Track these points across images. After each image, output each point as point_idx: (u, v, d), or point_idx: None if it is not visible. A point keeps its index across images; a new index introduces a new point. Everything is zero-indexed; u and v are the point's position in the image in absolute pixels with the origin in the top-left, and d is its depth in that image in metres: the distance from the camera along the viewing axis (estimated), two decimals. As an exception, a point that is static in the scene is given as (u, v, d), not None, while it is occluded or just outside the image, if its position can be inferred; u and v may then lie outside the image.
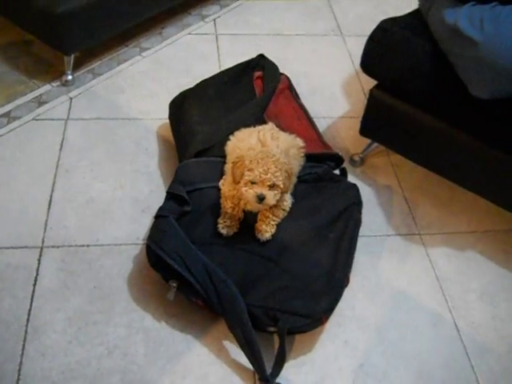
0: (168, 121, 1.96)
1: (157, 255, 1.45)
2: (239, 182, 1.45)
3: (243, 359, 1.44)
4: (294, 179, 1.59)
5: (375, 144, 1.96)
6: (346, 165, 1.83)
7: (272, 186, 1.43)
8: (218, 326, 1.51)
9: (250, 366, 1.42)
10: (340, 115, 2.19)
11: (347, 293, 1.55)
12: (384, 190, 1.92)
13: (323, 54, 2.47)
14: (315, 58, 2.44)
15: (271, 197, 1.43)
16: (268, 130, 1.59)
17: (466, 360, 1.52)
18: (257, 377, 1.42)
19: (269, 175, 1.42)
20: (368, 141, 1.97)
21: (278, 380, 1.40)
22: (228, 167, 1.57)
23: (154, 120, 2.07)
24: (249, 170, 1.43)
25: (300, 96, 2.01)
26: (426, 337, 1.56)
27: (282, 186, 1.44)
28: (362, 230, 1.67)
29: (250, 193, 1.43)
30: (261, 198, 1.43)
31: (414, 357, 1.51)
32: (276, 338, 1.46)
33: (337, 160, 1.78)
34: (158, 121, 2.06)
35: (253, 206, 1.49)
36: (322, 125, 2.08)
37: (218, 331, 1.51)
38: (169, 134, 1.95)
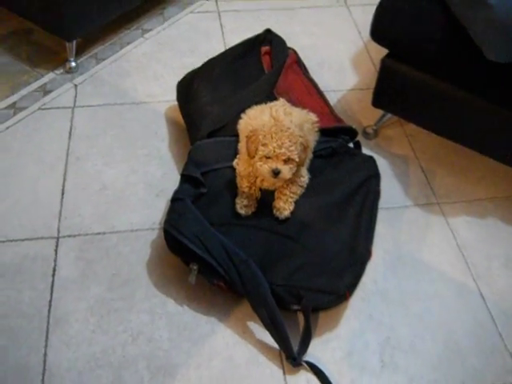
0: (176, 102, 1.93)
1: (175, 239, 1.43)
2: (254, 157, 1.42)
3: (268, 339, 1.42)
4: (310, 154, 1.56)
5: (388, 115, 1.92)
6: (359, 138, 1.80)
7: (287, 160, 1.40)
8: (241, 307, 1.50)
9: (276, 346, 1.41)
10: (350, 87, 2.14)
11: (369, 267, 1.53)
12: (400, 161, 1.89)
13: (329, 26, 2.41)
14: (321, 30, 2.39)
15: (287, 171, 1.41)
16: (280, 105, 1.56)
17: (492, 327, 1.50)
18: (283, 356, 1.41)
19: (283, 150, 1.39)
20: (381, 112, 1.93)
21: (305, 357, 1.39)
22: (242, 145, 1.54)
23: (161, 102, 2.04)
24: (263, 145, 1.40)
25: (309, 70, 1.97)
26: (450, 306, 1.54)
27: (297, 159, 1.41)
28: (380, 203, 1.64)
29: (264, 168, 1.41)
30: (276, 173, 1.40)
31: (439, 327, 1.49)
32: (300, 316, 1.44)
33: (351, 133, 1.75)
34: (166, 103, 2.03)
35: (269, 181, 1.47)
36: (332, 98, 2.04)
37: (242, 312, 1.49)
38: (177, 115, 1.92)
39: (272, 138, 1.40)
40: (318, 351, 1.43)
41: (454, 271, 1.61)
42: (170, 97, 1.98)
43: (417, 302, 1.54)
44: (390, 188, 1.80)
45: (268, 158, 1.41)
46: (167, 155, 1.87)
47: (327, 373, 1.38)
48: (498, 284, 1.59)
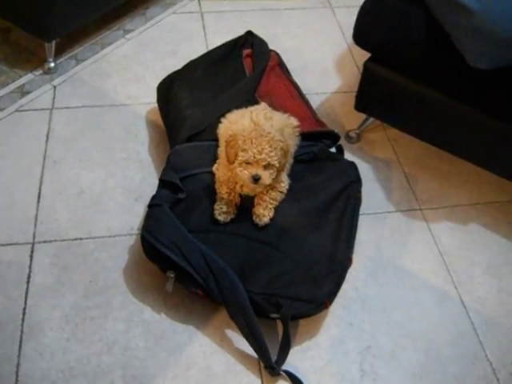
0: (156, 106, 1.90)
1: (152, 245, 1.40)
2: (233, 162, 1.40)
3: (247, 347, 1.40)
4: (290, 159, 1.54)
5: (371, 119, 1.91)
6: (342, 142, 1.79)
7: (267, 166, 1.38)
8: (219, 315, 1.47)
9: (255, 354, 1.39)
10: (333, 90, 2.12)
11: (350, 274, 1.50)
12: (382, 166, 1.87)
13: (313, 28, 2.39)
14: (305, 32, 2.37)
15: (267, 177, 1.39)
16: (261, 110, 1.53)
17: (473, 336, 1.49)
18: (262, 365, 1.38)
19: (263, 155, 1.37)
20: (363, 116, 1.91)
21: (283, 367, 1.37)
22: (221, 150, 1.51)
23: (142, 105, 2.00)
24: (242, 151, 1.38)
25: (291, 72, 1.95)
26: (432, 315, 1.52)
27: (277, 165, 1.39)
28: (362, 208, 1.63)
29: (244, 173, 1.39)
30: (256, 179, 1.38)
31: (421, 336, 1.48)
32: (280, 324, 1.42)
33: (333, 137, 1.73)
34: (147, 105, 2.00)
35: (248, 186, 1.44)
36: (315, 101, 2.02)
37: (220, 321, 1.47)
38: (158, 118, 1.89)
39: (252, 143, 1.37)
40: (297, 360, 1.41)
41: (436, 278, 1.60)
42: (151, 99, 1.95)
43: (398, 310, 1.53)
44: (373, 193, 1.79)
45: (248, 163, 1.39)
46: (147, 159, 1.83)
47: (306, 382, 1.36)
48: (479, 292, 1.58)
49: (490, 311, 1.54)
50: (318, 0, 2.54)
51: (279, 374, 1.36)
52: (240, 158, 1.39)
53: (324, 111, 2.02)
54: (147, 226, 1.44)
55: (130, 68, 2.14)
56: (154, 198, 1.49)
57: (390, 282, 1.58)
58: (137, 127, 1.93)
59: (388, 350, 1.45)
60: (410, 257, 1.64)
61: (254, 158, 1.37)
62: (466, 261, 1.64)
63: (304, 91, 1.87)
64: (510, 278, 1.61)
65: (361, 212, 1.61)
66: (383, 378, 1.40)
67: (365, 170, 1.83)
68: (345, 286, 1.52)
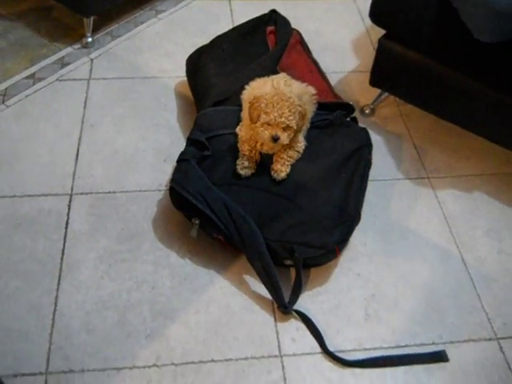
0: (185, 79, 2.05)
1: (180, 195, 1.55)
2: (255, 122, 1.55)
3: (262, 291, 1.54)
4: (308, 124, 1.68)
5: (385, 94, 2.03)
6: (356, 116, 1.91)
7: (286, 128, 1.53)
8: (239, 262, 1.62)
9: (269, 297, 1.53)
10: (351, 70, 2.26)
11: (359, 231, 1.65)
12: (394, 138, 2.00)
13: (334, 13, 2.53)
14: (326, 16, 2.51)
15: (285, 137, 1.53)
16: (281, 78, 1.67)
17: (472, 289, 1.61)
18: (275, 305, 1.52)
19: (283, 119, 1.51)
20: (377, 92, 2.04)
21: (294, 307, 1.51)
22: (245, 112, 1.65)
23: (172, 78, 2.16)
24: (264, 113, 1.52)
25: (312, 52, 2.08)
26: (434, 269, 1.65)
27: (295, 127, 1.53)
28: (373, 175, 1.77)
29: (265, 133, 1.53)
30: (275, 139, 1.53)
31: (422, 287, 1.61)
32: (293, 272, 1.56)
33: (348, 109, 1.85)
34: (176, 79, 2.15)
35: (268, 146, 1.59)
36: (333, 79, 2.15)
37: (239, 267, 1.61)
38: (187, 91, 2.04)
39: (273, 107, 1.52)
40: (307, 303, 1.55)
41: (439, 239, 1.72)
42: (181, 73, 2.10)
43: (402, 265, 1.65)
44: (384, 162, 1.92)
45: (268, 124, 1.53)
46: (175, 125, 1.99)
47: (315, 322, 1.50)
48: (479, 251, 1.70)
49: (489, 269, 1.66)
50: (339, -12, 2.68)
51: (291, 313, 1.51)
52: (262, 120, 1.54)
53: (341, 88, 2.15)
54: (175, 178, 1.58)
55: (162, 45, 2.30)
56: (182, 153, 1.64)
57: (396, 239, 1.71)
58: (167, 98, 2.09)
59: (391, 298, 1.58)
60: (416, 219, 1.77)
61: (275, 120, 1.52)
62: (468, 224, 1.76)
63: (323, 69, 2.01)
64: (510, 241, 1.73)
65: (372, 178, 1.74)
66: (386, 322, 1.53)
67: (377, 141, 1.96)
68: (354, 242, 1.66)
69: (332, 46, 2.35)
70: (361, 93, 2.14)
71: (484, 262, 1.68)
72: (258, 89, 1.65)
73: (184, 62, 2.05)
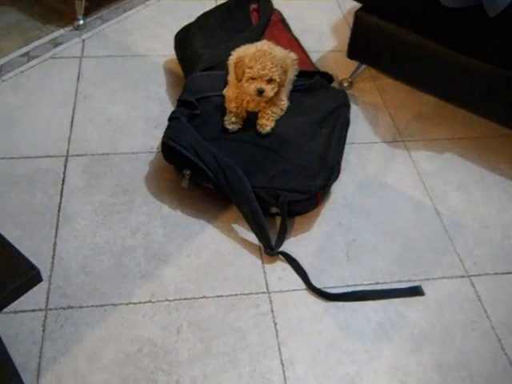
0: (174, 57, 2.17)
1: (171, 148, 1.65)
2: (241, 80, 1.66)
3: (250, 237, 1.65)
4: (290, 86, 1.80)
5: (362, 67, 2.17)
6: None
7: (270, 81, 1.65)
8: (228, 212, 1.72)
9: (257, 242, 1.63)
10: (329, 49, 2.40)
11: (339, 185, 1.78)
12: (371, 108, 2.13)
13: (313, 1, 2.68)
14: (305, 3, 2.66)
15: (269, 90, 1.65)
16: (265, 43, 1.79)
17: (444, 234, 1.73)
18: (262, 249, 1.62)
19: (266, 71, 1.63)
20: (355, 66, 2.18)
21: (280, 249, 1.61)
22: (231, 76, 1.77)
23: (160, 56, 2.28)
24: (249, 68, 1.64)
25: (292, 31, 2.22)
26: (409, 218, 1.77)
27: (278, 79, 1.65)
28: (352, 139, 1.90)
29: (250, 87, 1.65)
30: (260, 91, 1.65)
31: (399, 233, 1.72)
32: (279, 221, 1.66)
33: (327, 78, 1.99)
34: (164, 57, 2.27)
35: (254, 100, 1.70)
36: (313, 57, 2.27)
37: (228, 217, 1.71)
38: (175, 67, 2.16)
39: (256, 61, 1.64)
40: (292, 247, 1.65)
41: (414, 192, 1.85)
42: (168, 51, 2.23)
43: (380, 214, 1.77)
44: (362, 128, 2.04)
45: (253, 79, 1.65)
46: (165, 97, 2.10)
47: (300, 263, 1.60)
48: (451, 202, 1.82)
49: (460, 217, 1.78)
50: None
51: (277, 255, 1.61)
52: (247, 75, 1.66)
53: (320, 64, 2.28)
54: (168, 134, 1.69)
55: (150, 27, 2.42)
56: (173, 112, 1.75)
57: (373, 193, 1.83)
58: (156, 73, 2.20)
59: (370, 242, 1.69)
60: (392, 176, 1.89)
61: (259, 73, 1.64)
62: (440, 180, 1.89)
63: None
64: (478, 195, 1.86)
65: (350, 141, 1.88)
66: (366, 263, 1.64)
67: (355, 110, 2.09)
68: (334, 196, 1.78)
69: (311, 29, 2.49)
70: (339, 69, 2.28)
71: (455, 211, 1.80)
72: (242, 52, 1.77)
73: (171, 41, 2.18)
